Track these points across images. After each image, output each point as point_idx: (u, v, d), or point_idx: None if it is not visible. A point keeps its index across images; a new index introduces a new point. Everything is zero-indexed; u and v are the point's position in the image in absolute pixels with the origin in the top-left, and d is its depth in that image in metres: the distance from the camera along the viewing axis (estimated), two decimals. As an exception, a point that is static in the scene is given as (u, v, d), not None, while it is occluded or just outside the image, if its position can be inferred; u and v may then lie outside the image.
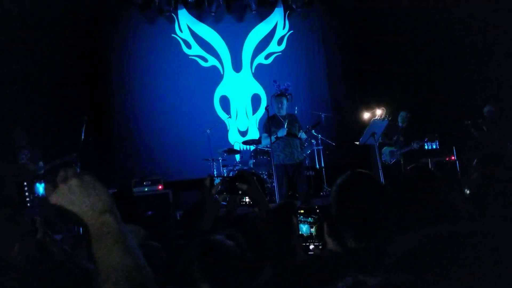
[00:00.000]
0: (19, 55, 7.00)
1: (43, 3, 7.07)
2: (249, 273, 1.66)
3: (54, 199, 0.94)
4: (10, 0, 6.85)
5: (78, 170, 4.48)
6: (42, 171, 6.00)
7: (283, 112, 5.97)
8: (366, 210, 1.66)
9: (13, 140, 5.97)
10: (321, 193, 7.32)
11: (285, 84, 6.42)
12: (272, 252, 1.88)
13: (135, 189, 6.92)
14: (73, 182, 0.94)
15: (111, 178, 7.55)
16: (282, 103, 5.92)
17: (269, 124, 5.77)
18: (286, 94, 6.13)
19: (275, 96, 6.06)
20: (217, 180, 2.04)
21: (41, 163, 6.03)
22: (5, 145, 5.99)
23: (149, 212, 6.73)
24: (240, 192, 2.02)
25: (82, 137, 5.69)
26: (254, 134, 8.28)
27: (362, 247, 1.68)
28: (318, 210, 1.78)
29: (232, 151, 7.54)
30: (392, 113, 6.81)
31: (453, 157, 7.49)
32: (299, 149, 6.02)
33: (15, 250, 2.04)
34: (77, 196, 0.94)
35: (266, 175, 6.94)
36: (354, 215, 1.67)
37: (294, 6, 8.37)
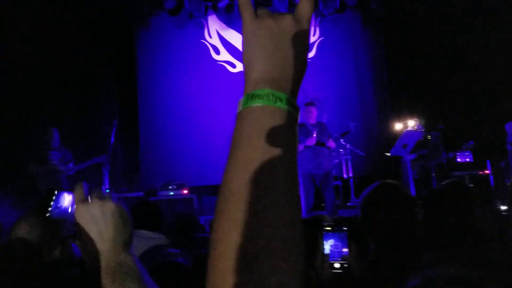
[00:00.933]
0: (51, 59, 7.11)
1: (73, 7, 7.19)
2: None
3: (82, 210, 0.90)
4: (40, 3, 6.98)
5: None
6: (71, 173, 6.10)
7: (312, 121, 5.86)
8: (391, 221, 1.60)
9: (46, 142, 6.09)
10: (348, 204, 7.16)
11: (315, 94, 6.33)
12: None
13: (160, 193, 6.94)
14: (109, 205, 0.91)
15: (137, 181, 7.59)
16: (311, 112, 5.80)
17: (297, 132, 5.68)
18: (315, 102, 6.02)
19: (304, 105, 5.95)
20: None
21: (71, 165, 6.12)
22: (38, 146, 6.10)
23: (173, 217, 6.73)
24: None
25: (112, 140, 5.74)
26: (280, 141, 8.19)
27: (385, 260, 1.61)
28: (345, 228, 1.69)
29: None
30: (425, 124, 6.61)
31: (486, 171, 7.23)
32: (327, 159, 5.90)
33: (56, 253, 2.04)
34: (105, 221, 0.89)
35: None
36: (379, 225, 1.62)
37: (325, 13, 8.25)
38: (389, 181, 1.74)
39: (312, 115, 5.83)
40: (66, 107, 7.06)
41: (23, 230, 1.88)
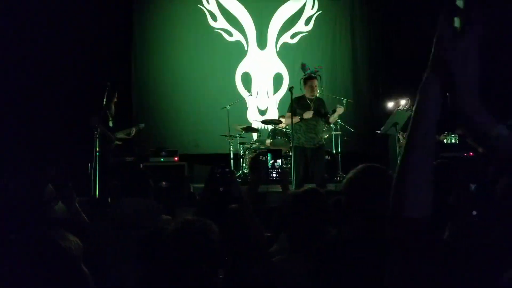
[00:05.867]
0: (45, 19, 6.97)
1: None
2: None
3: None
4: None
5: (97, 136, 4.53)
6: None
7: (316, 94, 5.90)
8: (375, 202, 1.64)
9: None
10: (336, 179, 7.30)
11: (316, 67, 6.36)
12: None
13: (151, 159, 6.97)
14: None
15: (128, 146, 7.60)
16: (315, 85, 5.82)
17: (294, 103, 5.73)
18: (316, 75, 6.04)
19: (308, 79, 5.90)
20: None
21: None
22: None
23: (163, 183, 6.80)
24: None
25: (104, 102, 5.72)
26: (273, 113, 8.23)
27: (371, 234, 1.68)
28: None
29: (250, 129, 7.52)
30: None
31: (471, 153, 7.37)
32: (320, 134, 5.98)
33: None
34: None
35: (282, 156, 6.92)
36: (363, 207, 1.67)
37: (325, -14, 8.17)
38: (373, 164, 1.76)
39: (315, 89, 5.84)
40: (60, 67, 6.97)
41: None
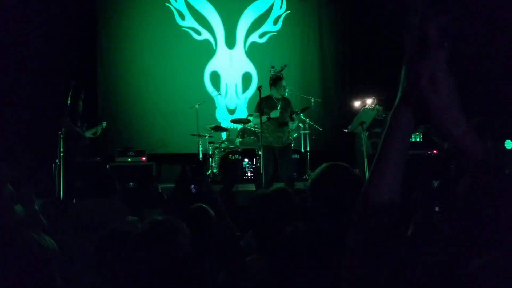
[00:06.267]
0: (7, 17, 6.73)
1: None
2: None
3: None
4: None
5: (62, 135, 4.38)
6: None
7: (285, 94, 5.94)
8: (339, 201, 1.66)
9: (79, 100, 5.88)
10: (304, 177, 7.37)
11: (282, 66, 6.40)
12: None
13: (118, 159, 6.84)
14: None
15: (95, 146, 7.42)
16: (284, 85, 5.86)
17: (261, 103, 5.74)
18: (280, 74, 6.07)
19: (277, 80, 5.90)
20: None
21: None
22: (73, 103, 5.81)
23: (131, 184, 6.68)
24: None
25: (69, 101, 5.58)
26: (242, 113, 8.23)
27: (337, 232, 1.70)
28: None
29: (219, 128, 7.49)
30: (382, 104, 6.83)
31: (435, 151, 7.60)
32: (287, 133, 6.02)
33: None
34: None
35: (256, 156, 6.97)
36: (327, 206, 1.68)
37: (293, -14, 8.24)
38: (336, 163, 1.78)
39: (283, 88, 5.87)
40: (22, 66, 6.75)
41: None
